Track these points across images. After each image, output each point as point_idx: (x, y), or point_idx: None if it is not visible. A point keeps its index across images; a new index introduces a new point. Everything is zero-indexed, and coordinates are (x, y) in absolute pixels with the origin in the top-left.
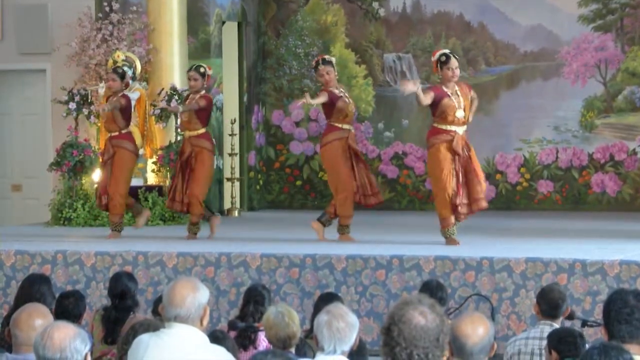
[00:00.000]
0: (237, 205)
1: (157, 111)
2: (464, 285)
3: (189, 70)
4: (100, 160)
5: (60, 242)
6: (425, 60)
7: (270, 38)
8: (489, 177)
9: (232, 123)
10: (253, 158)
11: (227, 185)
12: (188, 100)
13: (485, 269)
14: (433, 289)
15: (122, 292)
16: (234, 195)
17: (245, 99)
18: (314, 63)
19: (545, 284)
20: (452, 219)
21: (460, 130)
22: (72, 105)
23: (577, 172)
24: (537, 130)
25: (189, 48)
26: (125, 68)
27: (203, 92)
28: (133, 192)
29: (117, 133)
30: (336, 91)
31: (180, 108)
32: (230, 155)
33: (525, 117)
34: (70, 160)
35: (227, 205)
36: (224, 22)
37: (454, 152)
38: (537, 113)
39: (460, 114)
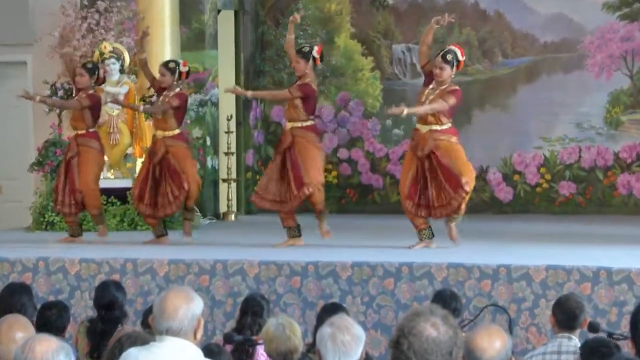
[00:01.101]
0: (234, 208)
1: (147, 106)
2: (480, 295)
3: (160, 66)
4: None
5: (42, 248)
6: (437, 52)
7: (270, 28)
8: (506, 177)
9: (228, 120)
10: (251, 157)
11: (222, 186)
12: (161, 98)
13: (502, 278)
14: (446, 299)
15: (109, 302)
16: (230, 197)
17: None
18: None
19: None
20: (419, 221)
21: (423, 128)
22: None
23: (601, 172)
24: (558, 128)
25: (181, 38)
26: (113, 60)
27: (178, 89)
28: (121, 194)
29: (83, 131)
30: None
31: (141, 107)
32: (226, 154)
33: (546, 113)
34: (53, 160)
35: (223, 208)
36: (219, 11)
37: (414, 152)
38: (559, 109)
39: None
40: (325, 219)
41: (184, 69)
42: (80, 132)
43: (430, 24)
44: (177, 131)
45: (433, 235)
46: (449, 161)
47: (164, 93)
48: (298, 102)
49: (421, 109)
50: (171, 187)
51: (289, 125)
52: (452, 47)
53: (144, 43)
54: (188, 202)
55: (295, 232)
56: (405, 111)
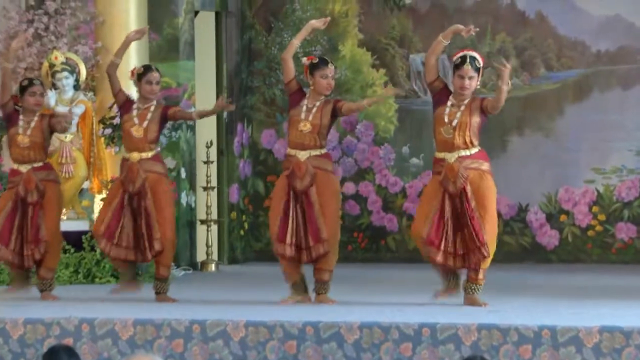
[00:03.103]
0: (215, 256)
1: (108, 131)
2: None
3: (149, 71)
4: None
5: None
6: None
7: (259, 33)
8: (550, 218)
9: (207, 147)
10: (236, 193)
11: (200, 229)
12: (140, 112)
13: (545, 342)
14: None
15: None
16: (210, 243)
17: (225, 114)
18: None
19: None
20: (445, 268)
21: (450, 156)
22: None
23: None
24: (614, 156)
25: (150, 47)
26: (66, 73)
27: (155, 102)
28: (75, 239)
29: (41, 164)
30: None
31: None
32: (205, 189)
33: (599, 138)
34: None
35: (200, 256)
36: (196, 12)
37: (445, 188)
38: (615, 133)
39: (447, 130)
40: (327, 292)
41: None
42: (36, 165)
43: (446, 31)
44: (156, 151)
45: (460, 283)
46: (475, 206)
47: (138, 106)
48: (327, 124)
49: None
50: (145, 232)
51: (302, 154)
52: (472, 53)
53: (128, 44)
54: (158, 269)
55: (302, 288)
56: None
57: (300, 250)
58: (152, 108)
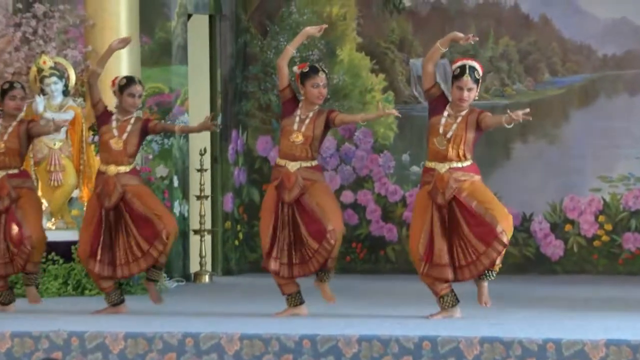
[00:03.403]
0: (208, 267)
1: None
2: None
3: (132, 83)
4: None
5: None
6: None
7: (254, 37)
8: (555, 228)
9: (201, 155)
10: (230, 202)
11: (194, 239)
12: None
13: (550, 355)
14: None
15: None
16: (203, 254)
17: (219, 120)
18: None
19: None
20: (439, 286)
21: (441, 167)
22: None
23: None
24: (621, 164)
25: (142, 51)
26: (55, 78)
27: (135, 113)
28: (64, 250)
29: (16, 171)
30: None
31: (176, 127)
32: (198, 198)
33: (605, 145)
34: None
35: (194, 267)
36: (190, 16)
37: (430, 199)
38: (622, 140)
39: (440, 142)
40: (329, 279)
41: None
42: (11, 171)
43: (444, 39)
44: (132, 165)
45: (457, 302)
46: (477, 205)
47: (117, 117)
48: (319, 136)
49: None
50: (137, 240)
51: (293, 165)
52: (472, 62)
53: (110, 53)
54: (160, 256)
55: (298, 299)
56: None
57: (292, 266)
58: (132, 120)
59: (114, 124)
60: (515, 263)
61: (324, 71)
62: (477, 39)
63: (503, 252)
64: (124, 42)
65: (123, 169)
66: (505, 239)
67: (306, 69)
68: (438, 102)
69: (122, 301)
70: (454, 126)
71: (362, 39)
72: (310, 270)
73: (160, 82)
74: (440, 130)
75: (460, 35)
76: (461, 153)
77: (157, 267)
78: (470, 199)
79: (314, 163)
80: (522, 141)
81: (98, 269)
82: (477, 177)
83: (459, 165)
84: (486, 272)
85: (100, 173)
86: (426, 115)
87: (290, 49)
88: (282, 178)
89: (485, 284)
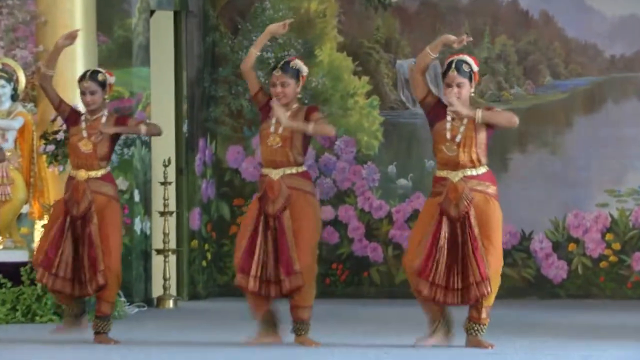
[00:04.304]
0: (173, 291)
1: (51, 147)
2: None
3: (82, 79)
4: None
5: None
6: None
7: (224, 36)
8: (557, 247)
9: (165, 166)
10: (197, 219)
11: (157, 260)
12: (89, 124)
13: None
14: None
15: None
16: (167, 276)
17: (185, 128)
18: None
19: None
20: (434, 308)
21: (454, 175)
22: None
23: None
24: (631, 176)
25: (99, 51)
26: (2, 81)
27: (106, 111)
28: (12, 271)
29: None
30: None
31: (143, 128)
32: (162, 214)
33: (613, 156)
34: None
35: (157, 291)
36: (152, 12)
37: (442, 211)
38: (631, 149)
39: (450, 148)
40: (307, 332)
41: (111, 80)
42: None
43: (435, 43)
44: (106, 170)
45: (451, 326)
46: (478, 235)
47: (87, 117)
48: (300, 136)
49: (496, 116)
50: (86, 263)
51: (275, 173)
52: (460, 56)
53: (58, 52)
54: (100, 305)
55: (271, 326)
56: (479, 115)
57: (269, 284)
58: (103, 119)
59: (83, 124)
60: (513, 286)
61: (282, 68)
62: (472, 39)
63: (486, 303)
64: (71, 38)
65: (94, 173)
66: (489, 288)
67: (269, 68)
68: (437, 109)
69: (84, 311)
70: (462, 128)
71: (344, 37)
72: (276, 294)
73: (120, 85)
74: (448, 136)
75: (453, 38)
76: (474, 157)
77: (100, 317)
78: (477, 222)
79: (300, 169)
80: (521, 151)
81: (51, 283)
82: (493, 188)
83: (474, 172)
84: (474, 325)
85: (70, 178)
86: (414, 122)
87: (254, 51)
88: (265, 188)
89: (478, 337)
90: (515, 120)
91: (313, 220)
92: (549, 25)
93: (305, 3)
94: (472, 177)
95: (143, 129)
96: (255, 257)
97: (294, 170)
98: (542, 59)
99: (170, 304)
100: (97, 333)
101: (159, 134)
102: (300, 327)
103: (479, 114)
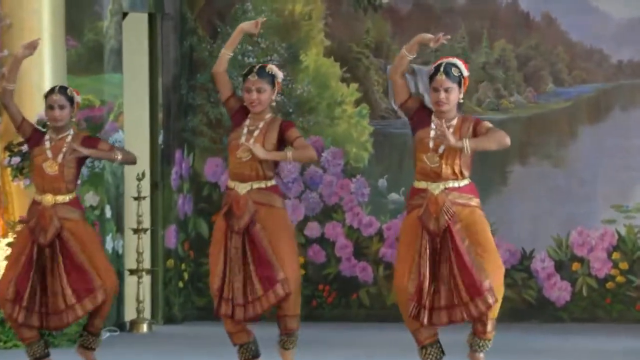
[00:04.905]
0: (147, 314)
1: (16, 160)
2: None
3: (50, 93)
4: None
5: None
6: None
7: (202, 40)
8: (560, 267)
9: (138, 180)
10: (173, 237)
11: (130, 281)
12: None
13: None
14: None
15: None
16: (141, 298)
17: (160, 139)
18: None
19: None
20: (424, 334)
21: (435, 187)
22: None
23: None
24: (639, 191)
25: (68, 56)
26: None
27: (71, 131)
28: None
29: None
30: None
31: (118, 155)
32: (135, 232)
33: (620, 168)
34: None
35: (130, 314)
36: (125, 14)
37: (423, 225)
38: None
39: (431, 159)
40: (293, 346)
41: (78, 99)
42: None
43: (411, 42)
44: (72, 195)
45: (443, 354)
46: (468, 246)
47: (51, 136)
48: (273, 147)
49: (485, 142)
50: (63, 290)
51: (242, 187)
52: (449, 60)
53: (18, 64)
54: (94, 318)
55: (251, 351)
56: (467, 145)
57: (243, 307)
58: (69, 138)
59: (47, 144)
60: (513, 309)
61: (258, 73)
62: (449, 37)
63: (492, 315)
64: (31, 47)
65: (61, 198)
66: (492, 299)
67: (245, 71)
68: (420, 115)
69: (47, 355)
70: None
71: (331, 41)
72: (252, 315)
73: (90, 93)
74: (431, 145)
75: (429, 36)
76: (457, 170)
77: (91, 332)
78: (464, 234)
79: (269, 183)
80: (522, 163)
81: (22, 317)
82: (476, 200)
83: (456, 184)
84: (479, 341)
85: (35, 203)
86: (407, 132)
87: (226, 52)
88: (230, 203)
89: (481, 355)
90: (507, 141)
91: (288, 232)
92: (551, 28)
93: (289, 4)
94: (454, 189)
95: (118, 156)
96: (227, 279)
97: (262, 184)
98: (544, 64)
99: (144, 328)
100: (85, 348)
101: (133, 162)
102: (288, 340)
103: (466, 143)
